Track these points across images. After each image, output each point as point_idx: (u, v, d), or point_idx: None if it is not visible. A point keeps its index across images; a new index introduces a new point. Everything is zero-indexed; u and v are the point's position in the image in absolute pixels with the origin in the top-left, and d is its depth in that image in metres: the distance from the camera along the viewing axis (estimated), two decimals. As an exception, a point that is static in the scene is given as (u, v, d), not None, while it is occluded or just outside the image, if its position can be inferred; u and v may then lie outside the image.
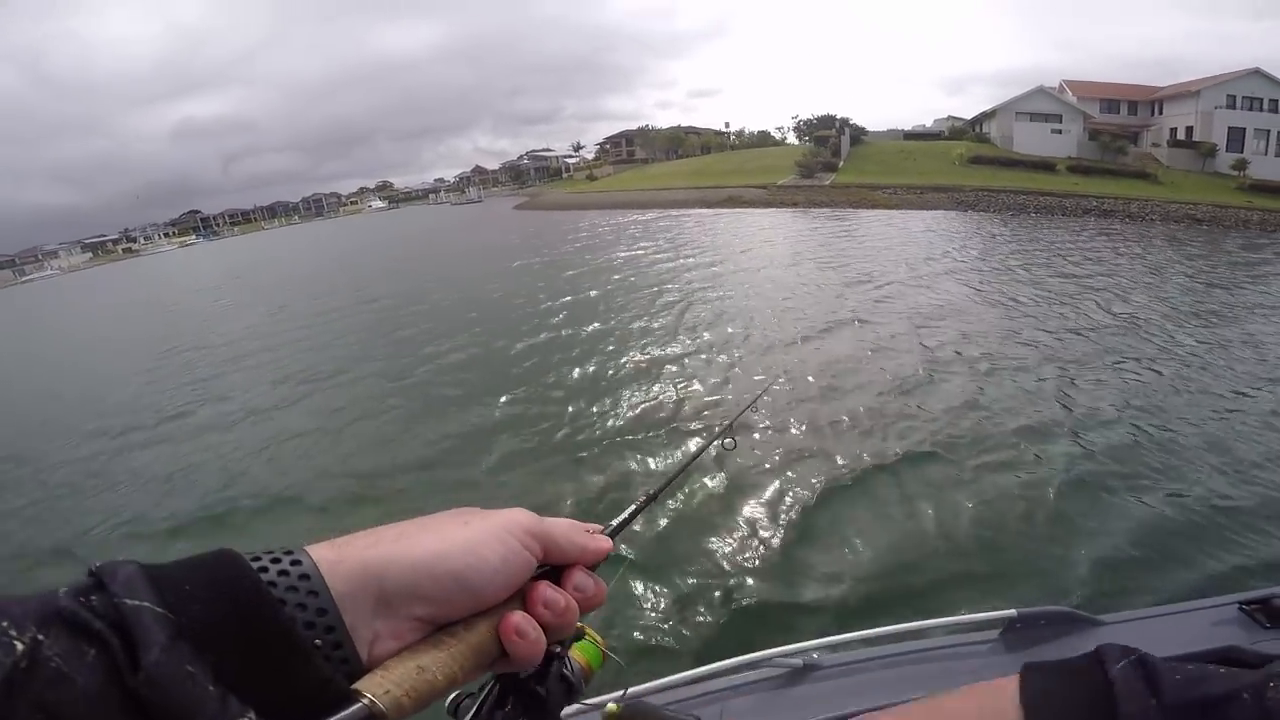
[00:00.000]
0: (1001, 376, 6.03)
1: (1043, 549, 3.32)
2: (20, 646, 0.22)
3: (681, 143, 66.94)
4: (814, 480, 4.12)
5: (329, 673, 0.29)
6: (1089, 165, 34.00)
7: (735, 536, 3.61)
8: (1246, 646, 1.19)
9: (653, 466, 4.63)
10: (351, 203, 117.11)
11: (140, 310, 20.26)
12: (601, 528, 0.44)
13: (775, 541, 3.53)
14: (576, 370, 7.04)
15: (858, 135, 41.58)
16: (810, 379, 6.18)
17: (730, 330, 8.29)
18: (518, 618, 0.34)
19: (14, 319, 27.07)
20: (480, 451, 5.14)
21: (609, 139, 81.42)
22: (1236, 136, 34.86)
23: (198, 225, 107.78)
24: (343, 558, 0.31)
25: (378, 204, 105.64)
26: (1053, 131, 38.64)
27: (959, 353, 6.80)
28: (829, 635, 1.25)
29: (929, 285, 10.64)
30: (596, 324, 9.09)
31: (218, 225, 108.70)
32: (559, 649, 0.41)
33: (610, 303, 10.56)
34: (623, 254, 16.99)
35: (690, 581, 3.22)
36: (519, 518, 0.36)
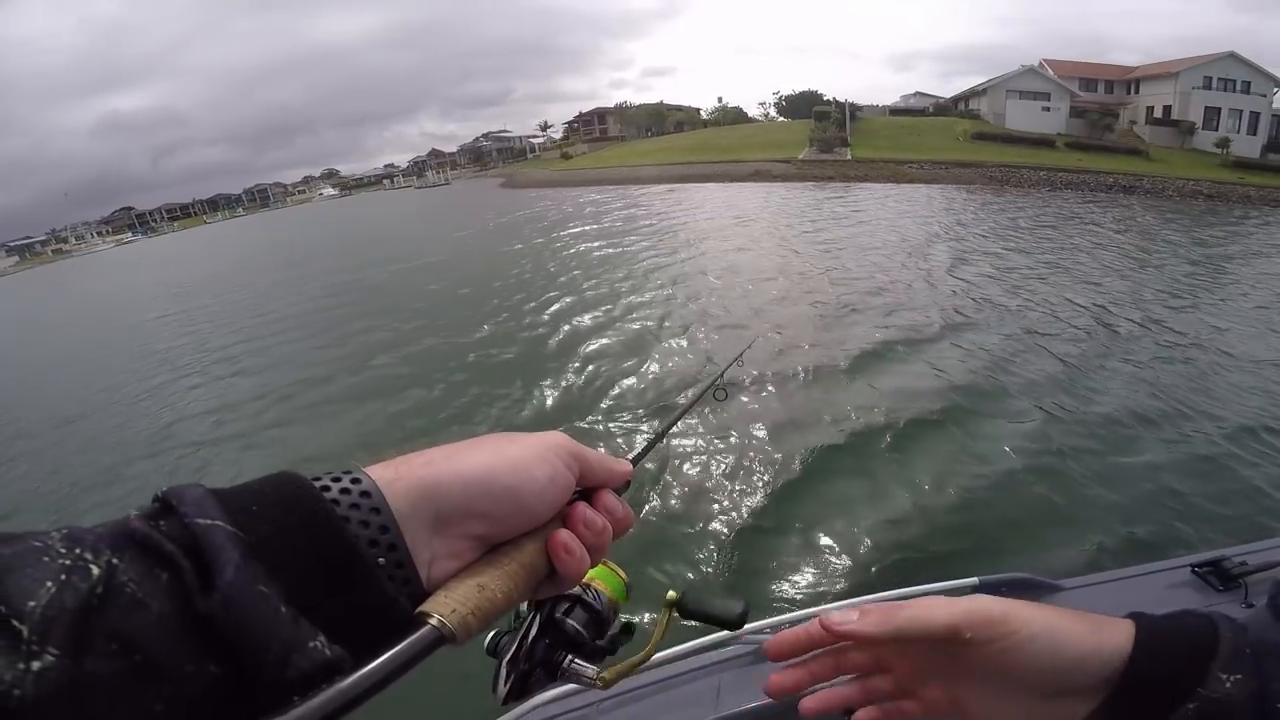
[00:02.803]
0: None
1: (1005, 516, 3.35)
2: (96, 571, 0.22)
3: (663, 119, 65.22)
4: (786, 448, 4.13)
5: (394, 593, 0.28)
6: (1086, 142, 34.47)
7: (710, 505, 3.63)
8: (1201, 609, 1.01)
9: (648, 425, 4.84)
10: (299, 191, 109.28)
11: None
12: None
13: (750, 509, 3.54)
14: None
15: (853, 112, 41.00)
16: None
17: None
18: (564, 535, 0.35)
19: None
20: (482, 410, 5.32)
21: (580, 116, 78.97)
22: (1212, 116, 36.19)
23: (133, 222, 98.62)
24: (399, 476, 0.31)
25: (329, 191, 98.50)
26: (1043, 109, 39.20)
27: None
28: (799, 609, 1.22)
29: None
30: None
31: (155, 221, 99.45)
32: (586, 581, 0.42)
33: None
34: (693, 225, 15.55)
35: (669, 551, 3.22)
36: (559, 439, 0.37)
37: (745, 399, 4.86)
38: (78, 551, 0.22)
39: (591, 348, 6.60)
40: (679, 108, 69.52)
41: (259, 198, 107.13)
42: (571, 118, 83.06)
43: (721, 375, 0.78)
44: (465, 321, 8.13)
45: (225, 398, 6.83)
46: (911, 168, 27.99)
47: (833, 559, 3.08)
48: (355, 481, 0.29)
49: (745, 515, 3.49)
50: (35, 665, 0.19)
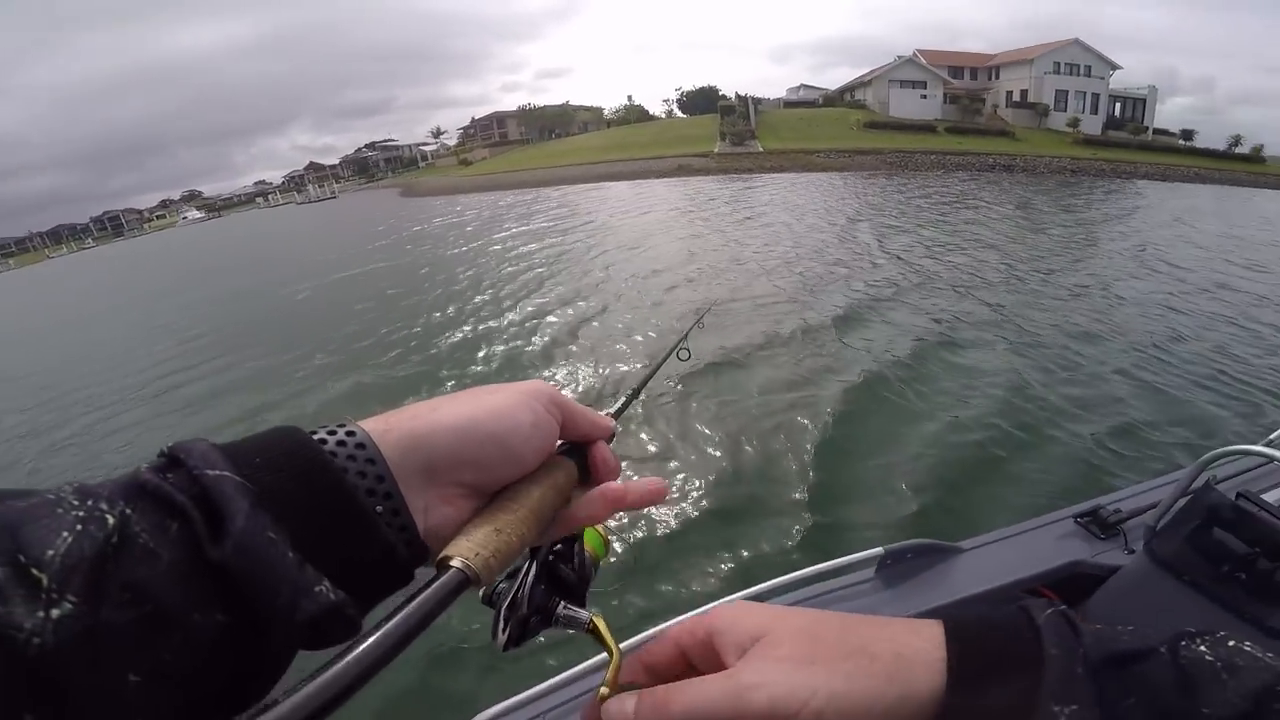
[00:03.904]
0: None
1: (909, 483, 3.40)
2: (111, 520, 0.22)
3: (569, 120, 64.36)
4: (725, 418, 4.17)
5: (393, 540, 0.29)
6: (964, 127, 37.42)
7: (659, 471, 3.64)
8: (1089, 559, 1.28)
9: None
10: (158, 216, 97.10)
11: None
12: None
13: (696, 482, 3.52)
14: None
15: (755, 106, 42.16)
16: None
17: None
18: (619, 489, 0.36)
19: None
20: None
21: (477, 121, 76.04)
22: (1062, 98, 40.52)
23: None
24: (390, 428, 0.31)
25: (193, 214, 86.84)
26: (921, 97, 42.15)
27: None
28: (729, 594, 1.23)
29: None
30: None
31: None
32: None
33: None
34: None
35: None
36: (539, 386, 0.37)
37: (707, 359, 5.04)
38: (90, 503, 0.22)
39: (551, 334, 6.51)
40: (586, 108, 68.92)
41: (110, 226, 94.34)
42: (466, 123, 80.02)
43: (685, 337, 0.81)
44: (406, 327, 7.39)
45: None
46: (819, 156, 29.04)
47: (751, 537, 3.08)
48: (350, 434, 0.30)
49: (694, 486, 3.50)
50: (55, 613, 0.19)
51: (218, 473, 0.25)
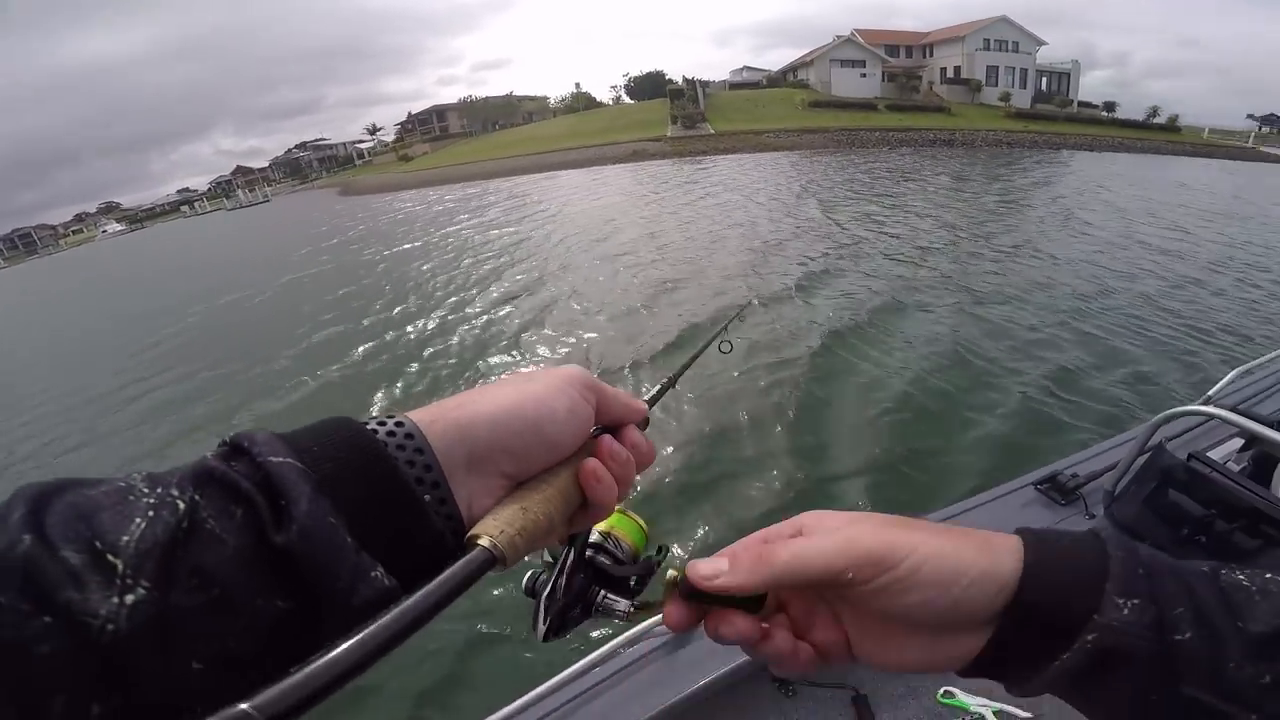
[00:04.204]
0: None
1: (873, 457, 3.41)
2: (182, 506, 0.23)
3: (513, 110, 63.11)
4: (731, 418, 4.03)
5: (441, 527, 0.29)
6: (902, 104, 38.39)
7: (688, 458, 3.59)
8: (1052, 528, 1.18)
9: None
10: (74, 231, 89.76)
11: None
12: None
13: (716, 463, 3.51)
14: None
15: (703, 88, 42.22)
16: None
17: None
18: (593, 463, 0.35)
19: None
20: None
21: (415, 116, 73.43)
22: (993, 73, 42.00)
23: None
24: (435, 419, 0.31)
25: (114, 227, 79.17)
26: (861, 76, 42.97)
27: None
28: None
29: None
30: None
31: None
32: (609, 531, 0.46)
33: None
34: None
35: (669, 501, 3.22)
36: (575, 372, 0.37)
37: (742, 356, 4.80)
38: (160, 490, 0.23)
39: (522, 321, 6.45)
40: (531, 98, 67.66)
41: (22, 244, 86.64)
42: (403, 118, 77.27)
43: (725, 328, 0.79)
44: (369, 325, 7.21)
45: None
46: (769, 136, 29.38)
47: (729, 516, 3.07)
48: (399, 425, 0.30)
49: (675, 465, 3.50)
50: (129, 599, 0.20)
51: (280, 459, 0.25)
